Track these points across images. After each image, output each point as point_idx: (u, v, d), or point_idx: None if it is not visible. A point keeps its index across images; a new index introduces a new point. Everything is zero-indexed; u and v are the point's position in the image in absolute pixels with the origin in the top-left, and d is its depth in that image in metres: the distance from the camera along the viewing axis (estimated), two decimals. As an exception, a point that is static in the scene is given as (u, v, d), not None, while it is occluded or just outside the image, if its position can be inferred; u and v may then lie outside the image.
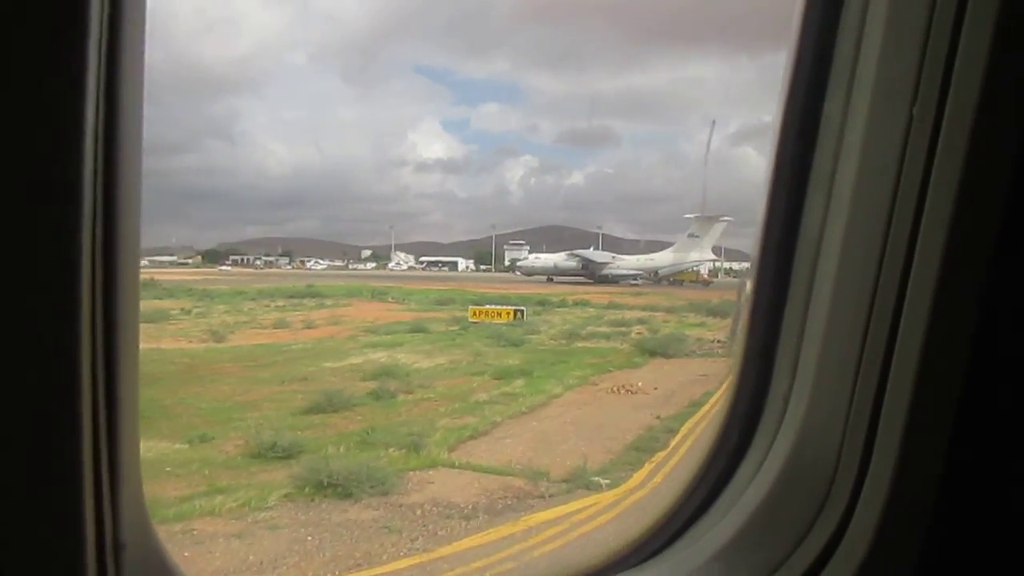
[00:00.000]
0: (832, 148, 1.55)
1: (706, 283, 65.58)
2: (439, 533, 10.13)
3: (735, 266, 70.62)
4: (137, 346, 1.37)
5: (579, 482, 11.99)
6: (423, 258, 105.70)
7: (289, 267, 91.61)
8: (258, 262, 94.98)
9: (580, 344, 28.44)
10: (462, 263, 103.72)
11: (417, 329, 31.44)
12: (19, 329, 1.16)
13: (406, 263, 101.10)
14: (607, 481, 12.07)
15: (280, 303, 43.37)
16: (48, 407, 1.19)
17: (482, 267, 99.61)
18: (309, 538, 9.85)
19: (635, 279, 65.37)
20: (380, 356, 24.75)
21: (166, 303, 38.14)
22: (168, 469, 12.53)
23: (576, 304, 43.64)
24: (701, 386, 19.18)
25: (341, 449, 13.70)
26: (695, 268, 67.31)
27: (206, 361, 23.75)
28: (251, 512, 10.65)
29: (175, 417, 15.96)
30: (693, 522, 1.83)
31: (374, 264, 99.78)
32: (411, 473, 12.50)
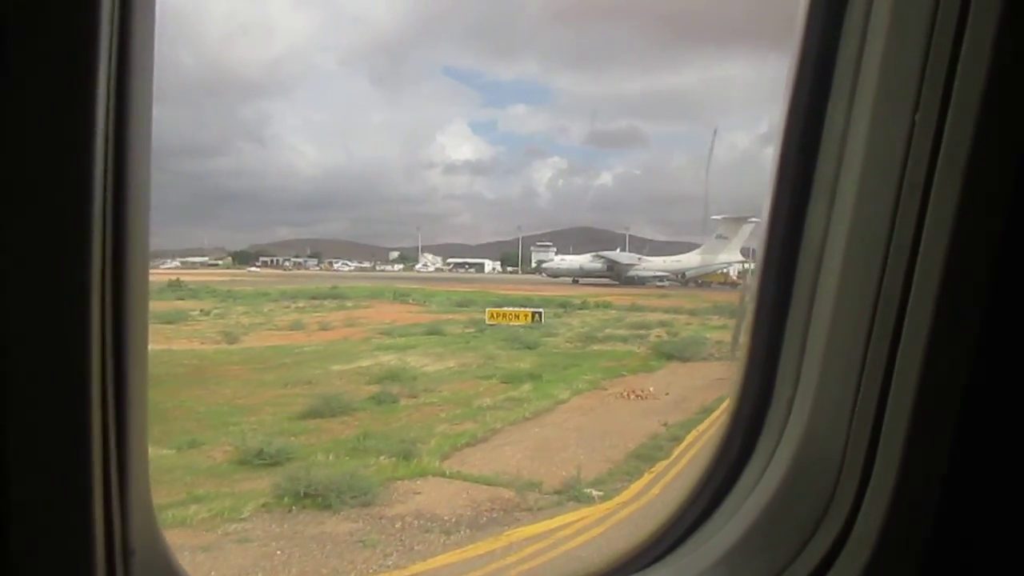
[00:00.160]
0: (835, 154, 1.55)
1: (734, 285, 64.26)
2: (416, 548, 9.65)
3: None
4: (146, 351, 1.37)
5: (571, 494, 11.45)
6: (450, 260, 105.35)
7: (318, 268, 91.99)
8: (287, 263, 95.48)
9: (596, 347, 27.68)
10: (489, 265, 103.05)
11: (432, 331, 30.90)
12: (29, 332, 1.15)
13: (433, 265, 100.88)
14: (600, 493, 11.50)
15: (300, 304, 43.05)
16: (57, 413, 1.20)
17: (509, 269, 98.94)
18: (278, 552, 9.43)
19: (661, 281, 64.26)
20: (390, 359, 24.27)
21: (188, 304, 38.21)
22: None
23: (598, 306, 42.78)
24: (715, 391, 18.43)
25: (331, 456, 13.30)
26: (724, 270, 66.02)
27: (214, 363, 23.44)
28: (224, 523, 10.28)
29: (170, 421, 15.63)
30: (697, 526, 1.84)
31: (401, 265, 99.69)
32: (398, 483, 12.07)
